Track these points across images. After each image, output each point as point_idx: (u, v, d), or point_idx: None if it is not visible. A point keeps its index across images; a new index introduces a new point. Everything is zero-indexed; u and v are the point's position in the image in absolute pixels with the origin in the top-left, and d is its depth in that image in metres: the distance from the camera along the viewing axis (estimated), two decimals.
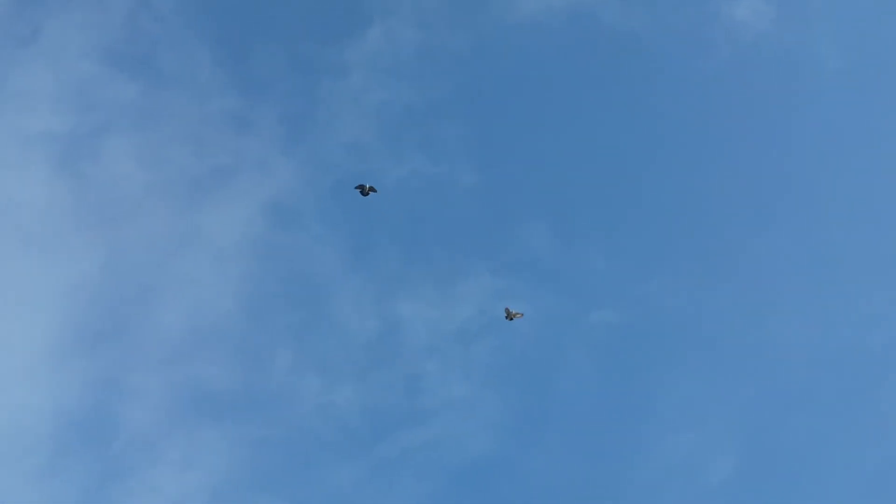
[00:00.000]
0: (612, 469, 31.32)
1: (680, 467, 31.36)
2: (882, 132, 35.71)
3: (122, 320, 33.48)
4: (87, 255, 34.41)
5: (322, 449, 31.81)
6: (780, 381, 32.47)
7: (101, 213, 35.20)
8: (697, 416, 32.18)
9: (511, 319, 29.64)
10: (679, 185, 35.78)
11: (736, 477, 31.01)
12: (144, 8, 37.13)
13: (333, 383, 32.79)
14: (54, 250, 34.44)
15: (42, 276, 33.99)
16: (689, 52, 37.19)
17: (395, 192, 35.82)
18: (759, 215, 35.13)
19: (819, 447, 31.58)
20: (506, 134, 37.00)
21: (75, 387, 32.29)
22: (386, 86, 37.36)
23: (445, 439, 32.05)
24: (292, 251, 35.00)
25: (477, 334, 33.28)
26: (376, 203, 35.85)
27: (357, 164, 36.25)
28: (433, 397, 32.69)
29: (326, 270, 34.68)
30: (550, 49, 37.44)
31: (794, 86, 36.56)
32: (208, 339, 33.36)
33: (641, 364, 32.89)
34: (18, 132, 35.75)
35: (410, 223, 35.49)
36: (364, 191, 29.40)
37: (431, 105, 37.22)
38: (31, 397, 31.95)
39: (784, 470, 31.19)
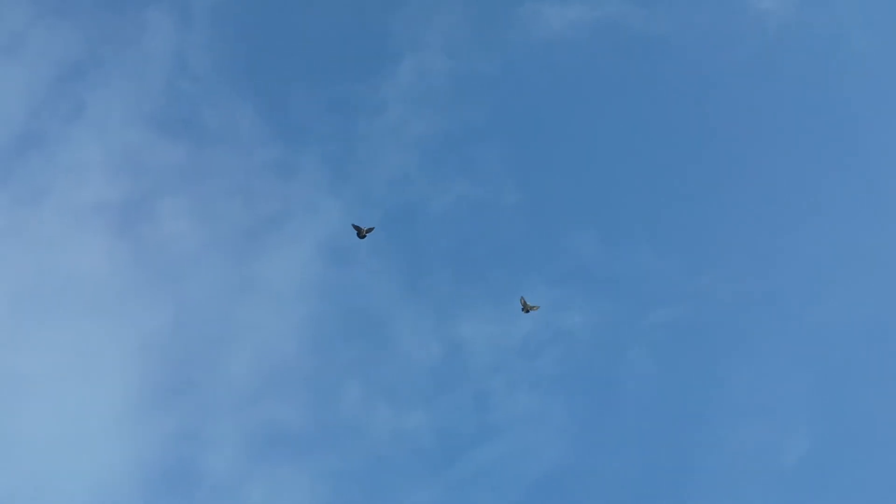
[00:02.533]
0: (687, 463, 32.39)
1: (753, 454, 32.40)
2: None
3: (193, 372, 35.35)
4: (153, 313, 36.33)
5: (398, 475, 33.36)
6: (846, 362, 33.38)
7: (162, 272, 37.10)
8: (766, 402, 33.21)
9: (527, 312, 30.74)
10: (720, 178, 37.02)
11: (810, 458, 32.02)
12: (181, 71, 39.18)
13: (403, 410, 34.41)
14: (122, 313, 36.34)
15: (113, 339, 35.91)
16: (717, 49, 38.44)
17: (443, 218, 37.62)
18: (803, 201, 36.25)
19: (889, 423, 32.55)
20: (544, 149, 38.55)
21: (155, 441, 34.15)
22: (423, 117, 39.14)
23: (518, 453, 33.42)
24: (349, 287, 36.78)
25: (539, 347, 34.72)
26: (426, 231, 37.72)
27: (402, 196, 38.02)
28: (502, 413, 34.14)
29: (385, 302, 36.39)
30: (579, 62, 38.98)
31: (824, 71, 37.71)
32: (278, 381, 35.16)
33: (703, 357, 34.04)
34: (74, 204, 37.78)
35: (461, 246, 37.13)
36: (361, 233, 30.65)
37: (468, 130, 38.93)
38: (114, 455, 33.78)
39: (856, 448, 32.08)
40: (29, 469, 33.21)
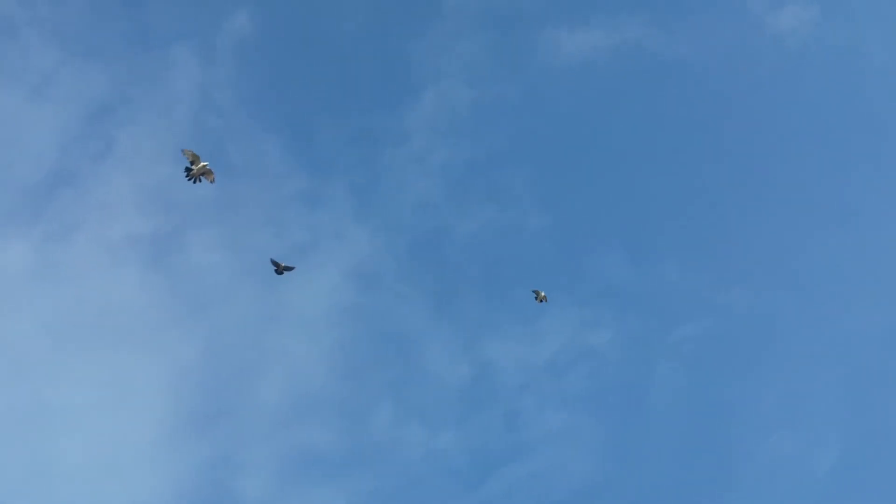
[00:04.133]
0: (717, 475, 33.24)
1: (784, 463, 33.20)
2: None
3: (226, 400, 36.55)
4: (185, 343, 37.59)
5: (431, 494, 34.38)
6: (873, 371, 34.30)
7: (194, 303, 38.31)
8: (795, 412, 34.10)
9: (541, 302, 31.77)
10: (744, 196, 38.23)
11: (840, 467, 32.87)
12: (207, 107, 40.55)
13: (435, 430, 35.51)
14: (155, 343, 37.51)
15: (147, 369, 37.05)
16: (737, 70, 39.74)
17: (469, 242, 38.97)
18: (827, 215, 37.41)
19: None
20: (567, 172, 39.84)
21: (191, 467, 35.29)
22: (446, 144, 40.54)
23: (548, 470, 34.38)
24: (378, 312, 38.03)
25: (567, 365, 35.87)
26: (452, 256, 39.04)
27: (428, 222, 39.34)
28: (532, 431, 35.20)
29: (414, 325, 37.63)
30: (599, 85, 40.35)
31: (843, 89, 38.95)
32: (310, 406, 36.33)
33: (731, 370, 35.05)
34: (106, 239, 39.00)
35: (488, 269, 38.36)
36: (279, 269, 31.55)
37: (492, 156, 40.29)
38: (150, 482, 34.85)
39: (886, 456, 32.92)
40: (67, 496, 34.32)
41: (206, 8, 40.82)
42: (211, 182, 30.08)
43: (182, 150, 29.83)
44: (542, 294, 31.24)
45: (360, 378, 36.81)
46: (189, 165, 29.86)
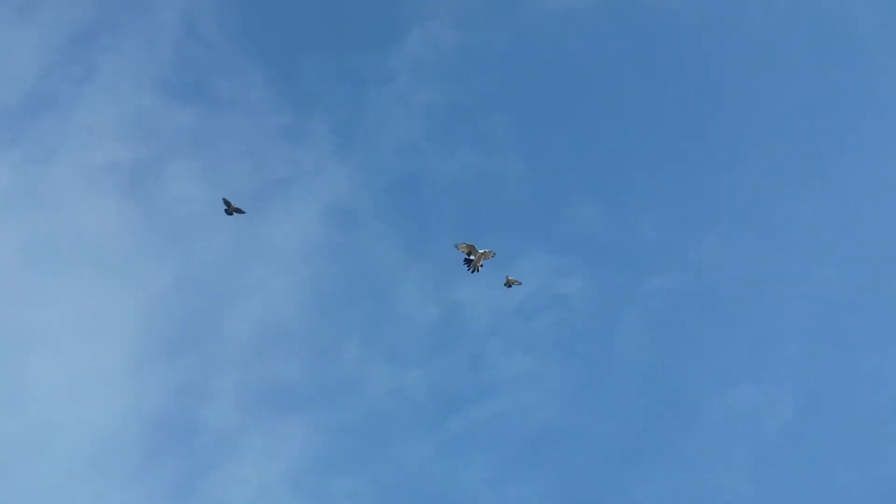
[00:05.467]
0: (675, 425, 34.38)
1: (740, 419, 34.38)
2: None
3: (197, 328, 37.45)
4: (159, 272, 38.37)
5: (395, 429, 35.53)
6: (833, 333, 35.37)
7: (170, 233, 38.97)
8: (754, 369, 35.18)
9: (510, 287, 32.65)
10: (719, 152, 38.99)
11: (794, 423, 34.08)
12: (191, 37, 41.03)
13: (401, 368, 36.57)
14: (130, 270, 38.28)
15: (120, 295, 37.89)
16: (724, 23, 40.36)
17: (448, 185, 39.80)
18: (799, 176, 38.20)
19: (871, 390, 34.57)
20: (550, 121, 40.53)
21: (158, 393, 36.27)
22: (431, 86, 41.11)
23: (511, 412, 35.50)
24: (353, 250, 38.87)
25: (536, 311, 36.89)
26: (431, 198, 39.93)
27: (408, 163, 40.11)
28: (498, 373, 36.27)
29: (387, 265, 38.50)
30: (587, 35, 40.93)
31: (829, 49, 39.65)
32: (279, 339, 37.30)
33: (696, 324, 36.02)
34: (85, 164, 39.68)
35: (465, 213, 39.27)
36: (230, 208, 32.29)
37: (476, 101, 40.91)
38: (117, 405, 35.85)
39: (839, 413, 34.09)
40: (35, 417, 35.25)
41: None
42: (492, 257, 30.51)
43: (455, 246, 30.40)
44: (514, 279, 32.06)
45: (331, 314, 37.86)
46: (467, 257, 30.34)
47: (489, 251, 30.42)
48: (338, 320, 37.73)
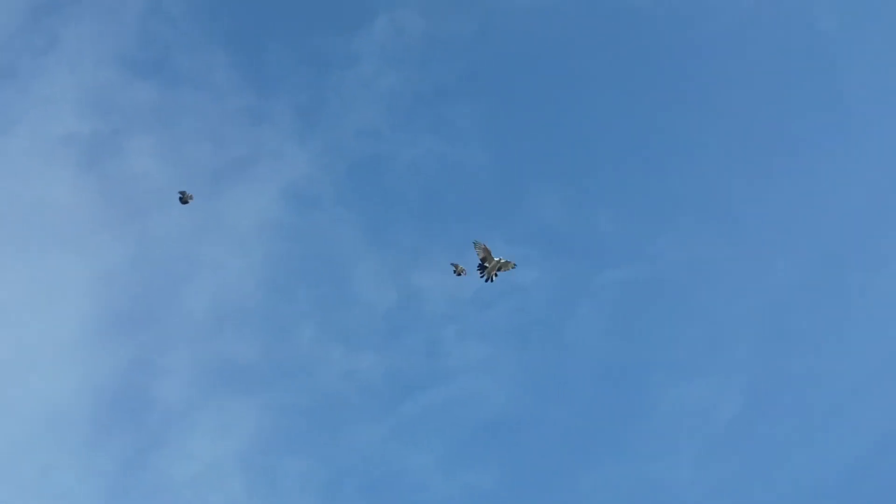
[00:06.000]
0: (626, 417, 35.05)
1: (690, 411, 35.13)
2: (874, 92, 39.62)
3: (151, 305, 37.55)
4: (115, 246, 38.36)
5: (347, 411, 35.87)
6: (782, 327, 36.29)
7: (127, 208, 38.96)
8: (705, 362, 36.00)
9: (459, 275, 33.07)
10: (678, 148, 39.68)
11: (743, 417, 34.95)
12: (155, 14, 40.95)
13: (356, 351, 36.90)
14: (85, 244, 38.23)
15: (75, 269, 37.85)
16: (690, 20, 41.02)
17: (409, 172, 40.17)
18: (756, 173, 38.95)
19: (818, 386, 35.47)
20: (512, 112, 40.99)
21: (111, 367, 36.32)
22: (395, 72, 41.33)
23: (464, 398, 35.97)
24: (312, 232, 39.12)
25: (493, 299, 37.34)
26: (391, 184, 40.28)
27: (369, 148, 40.41)
28: (452, 360, 36.67)
29: (345, 248, 38.79)
30: (552, 26, 41.33)
31: (791, 47, 40.49)
32: (234, 318, 37.49)
33: (650, 317, 36.69)
34: (43, 136, 39.52)
35: (425, 200, 39.65)
36: (184, 198, 32.71)
37: (440, 88, 41.23)
38: (70, 378, 35.89)
39: (786, 409, 34.99)
40: None
41: None
42: (512, 268, 29.23)
43: (473, 243, 29.16)
44: (461, 268, 32.44)
45: (287, 295, 38.09)
46: (482, 262, 29.15)
47: (509, 262, 29.32)
48: (294, 302, 38.04)
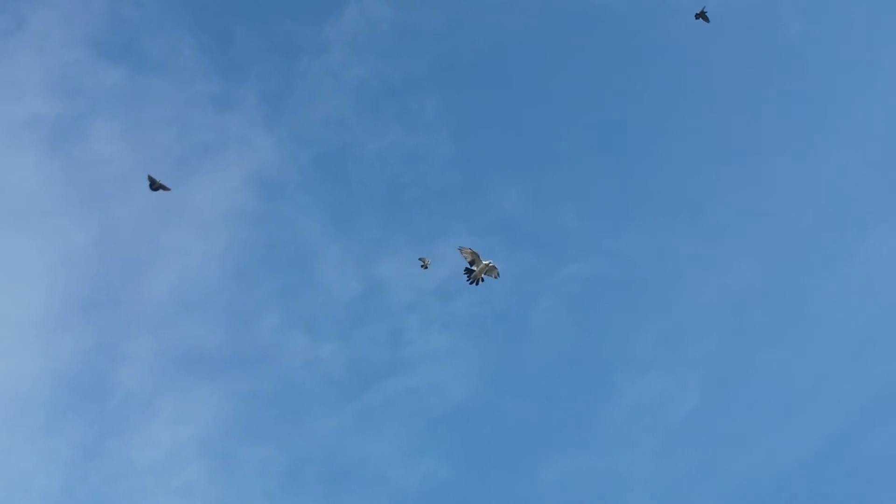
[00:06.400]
0: (585, 411, 35.56)
1: (648, 406, 35.68)
2: (841, 95, 40.27)
3: (113, 290, 37.57)
4: (78, 230, 38.35)
5: (309, 400, 36.13)
6: (741, 325, 36.82)
7: (91, 192, 38.97)
8: (664, 358, 36.52)
9: (426, 268, 33.24)
10: (644, 146, 40.16)
11: (701, 414, 35.50)
12: None
13: (319, 340, 37.13)
14: (47, 228, 38.15)
15: (36, 252, 37.74)
16: (656, 18, 41.57)
17: (375, 162, 40.40)
18: (719, 170, 39.57)
19: (775, 383, 36.11)
20: (480, 104, 41.33)
21: (71, 352, 36.29)
22: (364, 62, 41.57)
23: (426, 388, 36.32)
24: (277, 220, 39.27)
25: (455, 291, 37.72)
26: (357, 174, 40.50)
27: (336, 137, 40.59)
28: (415, 350, 37.01)
29: (310, 237, 39.02)
30: (522, 19, 41.81)
31: (758, 49, 41.06)
32: (197, 304, 37.62)
33: (611, 312, 37.18)
34: (8, 118, 39.34)
35: (390, 191, 39.97)
36: (154, 185, 32.26)
37: (409, 79, 41.47)
38: (28, 363, 35.88)
39: (744, 404, 35.56)
40: None
41: None
42: (495, 277, 28.69)
43: (459, 249, 28.51)
44: (428, 261, 32.68)
45: (251, 282, 38.26)
46: (469, 266, 28.49)
47: (494, 268, 28.78)
48: (257, 289, 38.20)
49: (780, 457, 34.67)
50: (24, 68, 40.43)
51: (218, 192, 39.56)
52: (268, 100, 40.77)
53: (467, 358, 36.84)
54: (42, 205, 38.84)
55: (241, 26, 41.36)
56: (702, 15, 31.14)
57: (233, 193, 39.53)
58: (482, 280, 28.91)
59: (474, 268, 28.67)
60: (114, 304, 37.54)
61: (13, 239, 38.22)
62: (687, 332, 36.76)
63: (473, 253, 28.82)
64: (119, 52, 40.87)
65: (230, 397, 36.04)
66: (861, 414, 34.91)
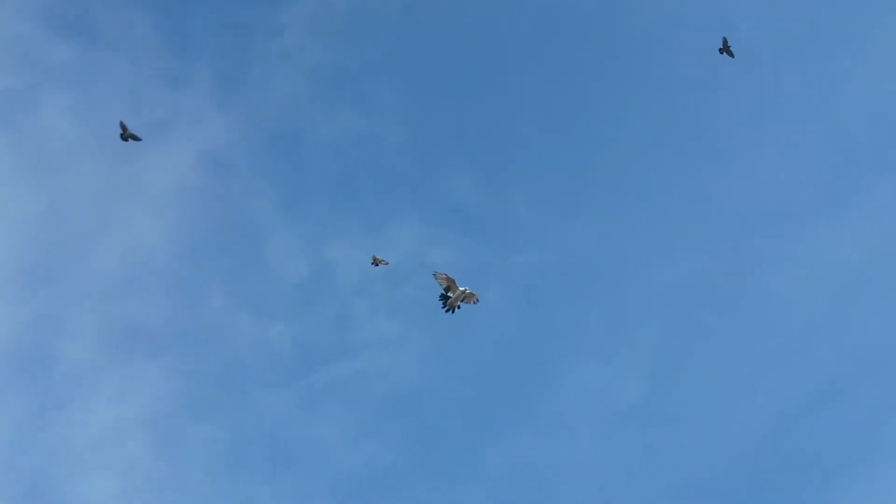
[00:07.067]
0: (530, 397, 36.00)
1: (593, 394, 36.17)
2: (788, 93, 41.11)
3: (58, 263, 37.32)
4: (24, 202, 38.07)
5: (255, 380, 36.15)
6: (685, 319, 37.54)
7: (38, 165, 38.82)
8: (610, 347, 37.09)
9: (377, 266, 33.12)
10: (597, 140, 40.73)
11: (644, 402, 36.06)
12: None
13: (266, 321, 37.17)
14: None
15: None
16: (612, 12, 42.13)
17: (328, 146, 40.53)
18: (667, 166, 40.26)
19: (717, 375, 36.77)
20: (435, 91, 41.66)
21: (13, 324, 36.09)
22: (319, 45, 41.69)
23: (373, 372, 36.54)
24: (227, 200, 39.27)
25: (404, 276, 37.98)
26: (309, 157, 40.62)
27: (289, 120, 40.67)
28: (362, 333, 37.22)
29: (260, 218, 39.05)
30: (478, 7, 42.26)
31: (709, 46, 41.68)
32: (143, 280, 37.51)
33: (559, 301, 37.68)
34: None
35: (342, 175, 40.11)
36: (125, 134, 32.11)
37: (364, 64, 41.70)
38: None
39: (687, 396, 36.22)
40: None
41: None
42: (474, 303, 27.41)
43: (434, 275, 27.14)
44: (381, 258, 32.89)
45: (199, 260, 38.20)
46: (445, 292, 27.21)
47: (472, 294, 27.59)
48: (205, 267, 38.15)
49: (719, 445, 35.40)
50: None
51: (169, 169, 39.53)
52: (221, 80, 40.82)
53: (415, 343, 37.15)
54: None
55: (196, 5, 41.41)
56: (725, 49, 31.32)
57: (183, 171, 39.53)
58: (458, 307, 27.78)
59: (450, 294, 27.49)
60: (59, 277, 37.40)
61: None
62: (632, 322, 37.41)
63: (449, 279, 27.60)
64: (71, 26, 40.66)
65: (175, 375, 36.02)
66: (799, 403, 35.79)
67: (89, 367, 35.95)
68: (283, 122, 40.59)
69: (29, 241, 37.61)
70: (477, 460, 35.27)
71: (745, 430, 35.46)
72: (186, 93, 40.62)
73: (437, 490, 34.93)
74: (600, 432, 35.57)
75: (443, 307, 27.54)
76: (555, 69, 41.41)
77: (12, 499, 33.80)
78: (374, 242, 38.51)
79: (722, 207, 39.30)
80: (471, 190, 39.68)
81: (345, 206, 39.52)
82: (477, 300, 27.64)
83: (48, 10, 40.63)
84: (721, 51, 32.09)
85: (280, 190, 39.49)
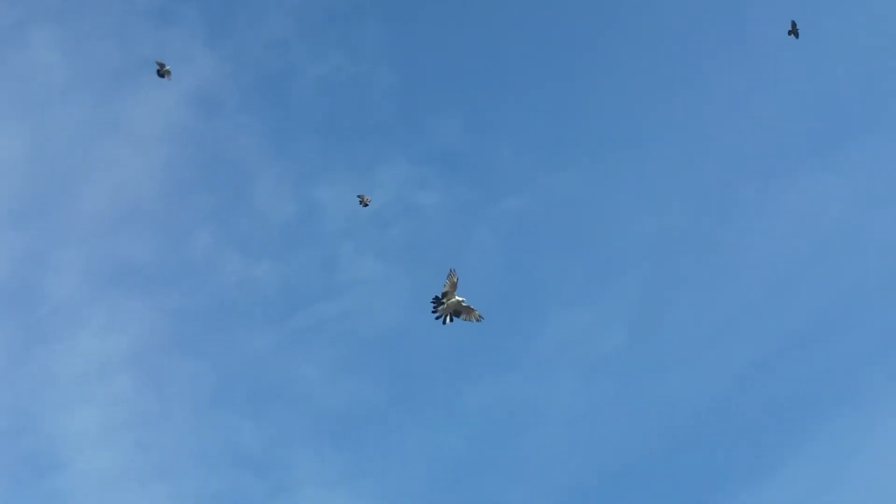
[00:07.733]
0: (514, 341, 36.43)
1: (576, 339, 36.69)
2: (776, 43, 41.25)
3: (46, 200, 37.59)
4: (11, 139, 38.35)
5: (241, 318, 36.60)
6: (668, 268, 38.10)
7: (26, 100, 38.89)
8: (593, 294, 37.65)
9: (366, 206, 33.45)
10: (581, 85, 41.03)
11: (626, 347, 36.66)
12: None
13: (253, 260, 37.55)
14: None
15: None
16: None
17: (316, 87, 40.63)
18: (652, 112, 40.59)
19: (696, 319, 37.39)
20: (422, 34, 41.81)
21: (1, 259, 36.70)
22: None
23: (357, 312, 37.00)
24: (215, 138, 39.44)
25: (391, 218, 38.33)
26: (298, 98, 40.74)
27: (278, 60, 40.75)
28: (348, 275, 37.60)
29: (247, 157, 39.25)
30: None
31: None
32: (131, 218, 37.80)
33: (543, 247, 38.10)
34: None
35: (330, 116, 40.23)
36: (162, 70, 32.49)
37: (352, 6, 41.84)
38: None
39: (669, 341, 36.91)
40: None
41: None
42: (476, 320, 25.31)
43: (450, 272, 25.06)
44: (367, 198, 33.13)
45: (186, 199, 38.47)
46: (442, 297, 25.11)
47: (474, 310, 25.43)
48: (192, 206, 38.45)
49: (699, 390, 36.06)
50: None
51: (156, 107, 39.63)
52: (210, 18, 40.81)
53: (399, 285, 37.56)
54: None
55: None
56: (794, 31, 33.45)
57: (171, 109, 39.63)
58: (452, 320, 25.51)
59: (445, 300, 25.27)
60: (46, 214, 37.66)
61: None
62: (615, 269, 37.88)
63: (454, 284, 25.48)
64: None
65: (161, 312, 36.41)
66: (777, 349, 36.48)
67: (76, 302, 36.37)
68: (272, 61, 40.72)
69: (15, 179, 37.83)
70: (458, 400, 35.88)
71: (723, 376, 36.18)
72: (175, 31, 40.66)
73: (419, 428, 35.58)
74: (582, 376, 36.22)
75: (433, 311, 25.48)
76: (544, 15, 41.56)
77: None
78: (361, 184, 38.88)
79: (706, 157, 39.78)
80: (458, 133, 39.99)
81: (333, 146, 39.80)
82: (480, 318, 25.74)
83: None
84: (790, 32, 33.44)
85: (268, 129, 39.72)
